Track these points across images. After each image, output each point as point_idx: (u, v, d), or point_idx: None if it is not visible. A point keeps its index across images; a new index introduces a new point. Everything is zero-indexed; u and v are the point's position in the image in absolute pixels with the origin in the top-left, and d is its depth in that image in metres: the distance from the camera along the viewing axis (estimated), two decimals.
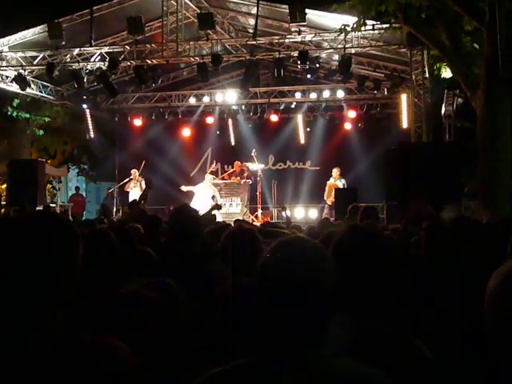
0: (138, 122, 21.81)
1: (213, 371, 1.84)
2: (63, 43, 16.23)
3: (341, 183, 17.36)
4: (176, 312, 2.16)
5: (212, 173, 19.16)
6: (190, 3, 17.06)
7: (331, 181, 17.60)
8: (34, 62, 17.38)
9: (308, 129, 21.21)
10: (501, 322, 1.48)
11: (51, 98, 19.94)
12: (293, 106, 20.68)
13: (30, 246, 1.72)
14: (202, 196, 16.88)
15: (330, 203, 16.85)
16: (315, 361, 1.74)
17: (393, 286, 2.38)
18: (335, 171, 17.68)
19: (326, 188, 17.49)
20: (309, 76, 17.10)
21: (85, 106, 20.61)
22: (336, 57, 16.87)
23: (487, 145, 11.02)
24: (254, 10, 16.06)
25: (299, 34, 15.68)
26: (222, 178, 18.88)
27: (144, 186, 18.04)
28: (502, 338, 1.48)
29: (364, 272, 2.31)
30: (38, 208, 15.49)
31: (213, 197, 17.02)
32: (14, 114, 20.07)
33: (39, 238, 1.76)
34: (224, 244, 3.56)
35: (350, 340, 2.05)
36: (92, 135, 21.31)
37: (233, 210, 17.54)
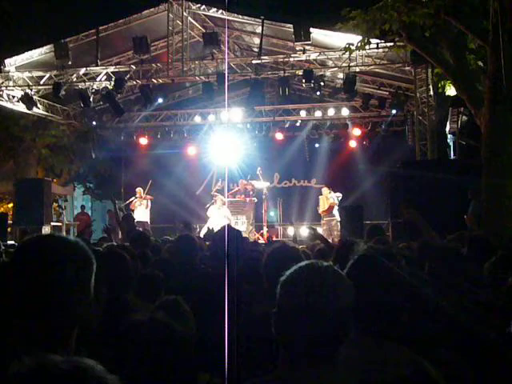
0: (143, 141, 21.91)
1: None
2: (69, 63, 16.33)
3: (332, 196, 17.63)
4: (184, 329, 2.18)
5: (217, 191, 19.18)
6: (195, 23, 17.21)
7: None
8: (41, 82, 17.51)
9: (317, 145, 21.26)
10: None
11: (57, 117, 20.06)
12: (298, 124, 20.76)
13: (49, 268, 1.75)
14: (218, 218, 16.73)
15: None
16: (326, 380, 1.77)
17: (404, 308, 2.39)
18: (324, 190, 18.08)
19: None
20: (318, 93, 17.08)
21: (91, 124, 20.69)
22: (341, 75, 16.94)
23: (492, 162, 11.01)
24: (258, 29, 16.17)
25: (304, 53, 15.77)
26: (227, 197, 18.86)
27: (149, 205, 18.13)
28: None
29: (376, 294, 2.33)
30: (44, 227, 15.58)
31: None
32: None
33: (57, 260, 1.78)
34: (267, 262, 3.56)
35: (357, 359, 2.05)
36: (98, 154, 21.36)
37: (238, 228, 17.49)
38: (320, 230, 18.36)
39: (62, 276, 1.75)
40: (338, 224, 16.21)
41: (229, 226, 4.92)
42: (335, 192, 17.86)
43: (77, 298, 1.78)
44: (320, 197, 18.13)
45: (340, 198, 17.68)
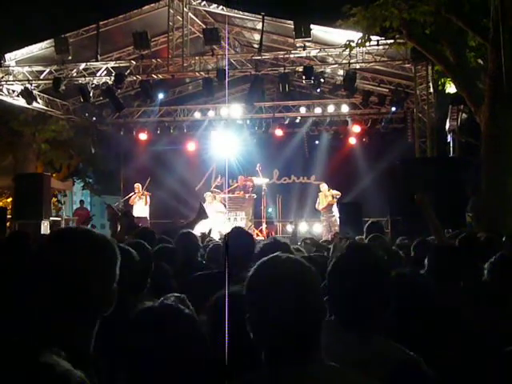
0: (143, 136, 21.86)
1: None
2: (69, 58, 16.30)
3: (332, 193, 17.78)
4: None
5: (217, 187, 19.18)
6: (195, 18, 17.19)
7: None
8: (41, 77, 17.47)
9: (317, 142, 21.27)
10: None
11: (57, 112, 20.03)
12: (297, 120, 20.75)
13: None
14: (211, 213, 16.69)
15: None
16: (325, 372, 1.77)
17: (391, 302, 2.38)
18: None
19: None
20: (318, 90, 17.07)
21: (91, 120, 20.68)
22: (341, 72, 16.92)
23: (491, 160, 11.03)
24: (259, 26, 16.13)
25: (304, 50, 15.75)
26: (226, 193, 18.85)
27: (149, 201, 18.13)
28: None
29: (363, 290, 2.32)
30: (43, 222, 15.57)
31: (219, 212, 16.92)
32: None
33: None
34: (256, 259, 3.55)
35: (343, 355, 2.04)
36: (97, 149, 21.36)
37: (237, 224, 17.50)
38: (320, 227, 18.46)
39: (90, 266, 1.80)
40: (338, 220, 16.22)
41: (242, 229, 4.84)
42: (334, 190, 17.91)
43: (103, 288, 1.83)
44: (319, 193, 18.15)
45: (339, 196, 17.70)
